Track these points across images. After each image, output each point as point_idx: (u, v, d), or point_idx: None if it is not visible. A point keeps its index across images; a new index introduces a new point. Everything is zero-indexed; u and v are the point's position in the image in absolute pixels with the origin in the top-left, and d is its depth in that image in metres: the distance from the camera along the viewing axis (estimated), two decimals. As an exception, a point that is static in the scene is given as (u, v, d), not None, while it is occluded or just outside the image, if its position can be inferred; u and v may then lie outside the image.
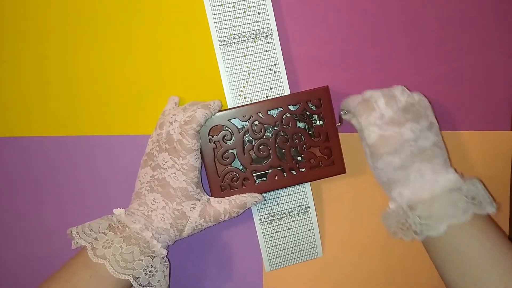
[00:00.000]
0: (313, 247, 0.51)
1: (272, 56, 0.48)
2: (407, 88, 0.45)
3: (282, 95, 0.48)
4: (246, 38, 0.46)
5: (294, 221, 0.50)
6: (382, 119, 0.43)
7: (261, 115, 0.46)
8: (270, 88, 0.48)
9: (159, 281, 0.41)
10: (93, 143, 0.49)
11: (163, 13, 0.48)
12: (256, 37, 0.47)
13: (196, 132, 0.43)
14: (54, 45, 0.48)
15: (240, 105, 0.47)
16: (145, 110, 0.49)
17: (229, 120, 0.46)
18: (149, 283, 0.41)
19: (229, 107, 0.48)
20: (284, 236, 0.50)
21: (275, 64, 0.48)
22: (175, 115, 0.43)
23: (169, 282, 0.44)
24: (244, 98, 0.48)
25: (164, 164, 0.43)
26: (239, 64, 0.48)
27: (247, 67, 0.48)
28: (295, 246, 0.50)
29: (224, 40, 0.47)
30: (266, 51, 0.48)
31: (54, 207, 0.50)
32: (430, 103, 0.45)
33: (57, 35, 0.48)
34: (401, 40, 0.50)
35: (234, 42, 0.47)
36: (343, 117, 0.48)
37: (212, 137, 0.46)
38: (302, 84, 0.50)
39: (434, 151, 0.43)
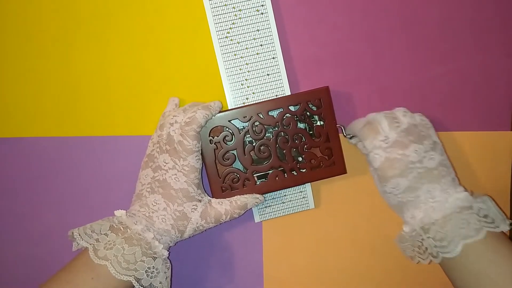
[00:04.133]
0: (303, 197, 0.50)
1: None
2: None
3: (283, 95, 0.48)
4: None
5: None
6: (387, 141, 0.43)
7: (261, 116, 0.46)
8: (258, 30, 0.47)
9: (160, 283, 0.42)
10: (94, 144, 0.49)
11: (163, 14, 0.48)
12: None
13: (196, 133, 0.43)
14: (55, 46, 0.48)
15: (240, 106, 0.47)
16: (145, 111, 0.49)
17: (229, 121, 0.46)
18: (150, 284, 0.41)
19: (230, 108, 0.48)
20: None
21: (262, 5, 0.47)
22: (176, 116, 0.43)
23: (171, 283, 0.44)
24: (231, 40, 0.47)
25: (165, 166, 0.43)
26: (225, 5, 0.47)
27: (234, 7, 0.47)
28: (285, 195, 0.50)
29: None
30: None
31: (55, 208, 0.50)
32: (431, 123, 0.45)
33: (58, 36, 0.48)
34: (401, 40, 0.50)
35: None
36: (349, 141, 0.48)
37: (213, 138, 0.46)
38: (302, 84, 0.50)
39: (441, 171, 0.43)
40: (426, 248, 0.41)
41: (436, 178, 0.42)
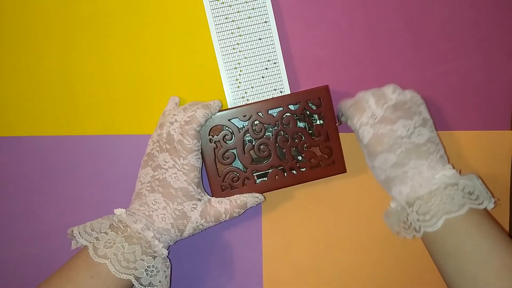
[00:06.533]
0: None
1: None
2: (402, 86, 0.45)
3: (282, 94, 0.48)
4: None
5: None
6: (374, 118, 0.43)
7: (261, 115, 0.46)
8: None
9: (160, 281, 0.42)
10: (94, 143, 0.49)
11: (163, 14, 0.48)
12: None
13: (196, 132, 0.43)
14: (55, 45, 0.48)
15: (240, 105, 0.47)
16: (145, 110, 0.49)
17: (229, 120, 0.46)
18: (150, 283, 0.41)
19: (229, 107, 0.48)
20: None
21: None
22: (176, 115, 0.44)
23: (170, 282, 0.44)
24: (223, 3, 0.47)
25: (164, 165, 0.43)
26: None
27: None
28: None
29: None
30: None
31: (54, 207, 0.50)
32: (424, 100, 0.45)
33: (58, 35, 0.48)
34: (401, 40, 0.50)
35: None
36: (342, 120, 0.48)
37: (213, 137, 0.46)
38: (302, 84, 0.50)
39: (429, 147, 0.43)
40: (411, 223, 0.41)
41: (424, 154, 0.42)
